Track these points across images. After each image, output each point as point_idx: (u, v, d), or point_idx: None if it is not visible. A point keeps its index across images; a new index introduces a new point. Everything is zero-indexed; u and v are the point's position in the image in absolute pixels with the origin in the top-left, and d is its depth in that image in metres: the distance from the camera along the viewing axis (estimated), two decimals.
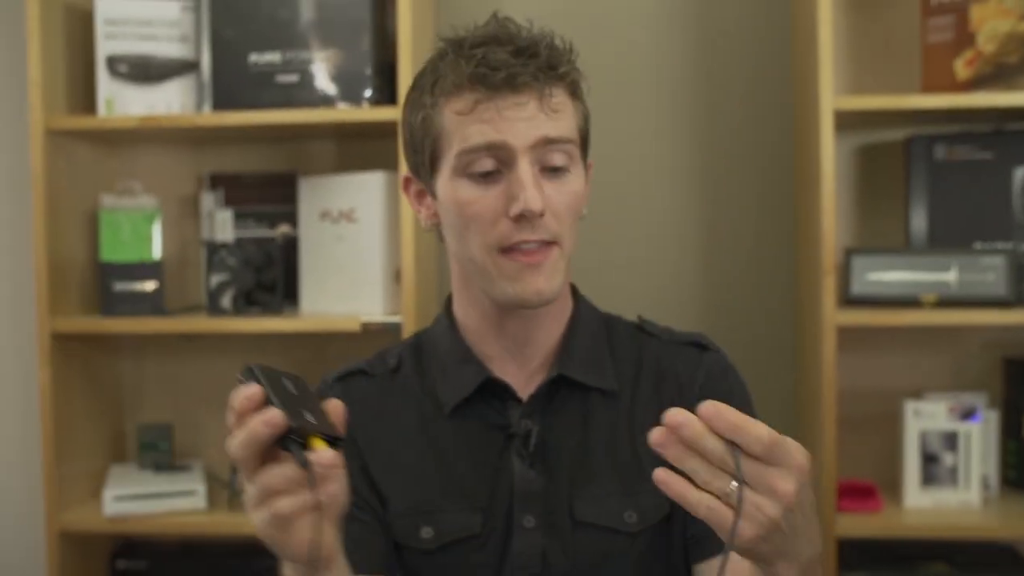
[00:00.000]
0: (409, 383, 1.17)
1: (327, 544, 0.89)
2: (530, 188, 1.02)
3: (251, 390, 0.86)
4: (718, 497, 0.79)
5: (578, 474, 1.11)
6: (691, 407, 1.06)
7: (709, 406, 0.78)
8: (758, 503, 0.78)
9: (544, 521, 1.10)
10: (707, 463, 0.79)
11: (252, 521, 0.88)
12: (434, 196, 1.11)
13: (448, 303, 1.19)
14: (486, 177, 1.05)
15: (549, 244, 1.05)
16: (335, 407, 0.91)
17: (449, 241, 1.11)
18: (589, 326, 1.18)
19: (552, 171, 1.06)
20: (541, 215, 1.03)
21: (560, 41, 1.08)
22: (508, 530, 1.10)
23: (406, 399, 1.16)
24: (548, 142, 1.04)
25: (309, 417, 0.87)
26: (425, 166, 1.10)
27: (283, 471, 0.85)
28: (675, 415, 0.78)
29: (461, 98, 1.04)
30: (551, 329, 1.14)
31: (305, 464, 0.84)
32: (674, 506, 1.07)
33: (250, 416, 0.85)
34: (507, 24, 1.07)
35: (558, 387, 1.13)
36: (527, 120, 1.03)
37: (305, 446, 0.85)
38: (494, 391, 1.12)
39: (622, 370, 1.16)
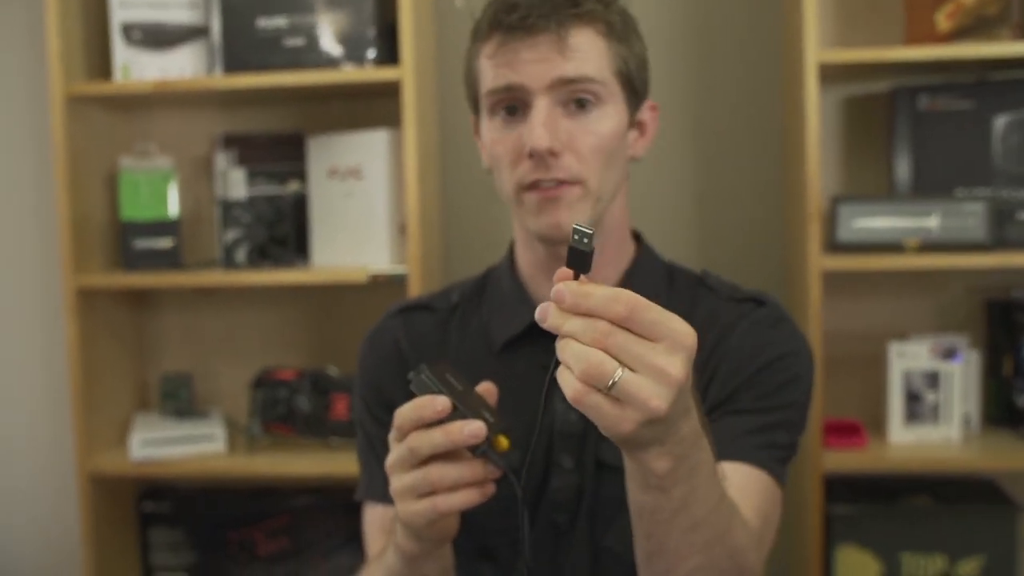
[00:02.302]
0: (467, 319, 1.20)
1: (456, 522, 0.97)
2: (536, 127, 1.04)
3: (441, 403, 0.90)
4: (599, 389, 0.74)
5: None
6: (727, 352, 1.10)
7: (559, 287, 0.75)
8: (642, 388, 0.73)
9: (579, 461, 1.12)
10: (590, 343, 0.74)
11: (403, 508, 0.92)
12: (481, 136, 1.16)
13: (511, 244, 1.22)
14: (510, 117, 1.08)
15: (568, 184, 1.06)
16: (489, 390, 0.96)
17: (495, 181, 1.14)
18: (648, 274, 1.18)
19: (578, 109, 1.07)
20: (552, 154, 1.04)
21: None
22: (547, 468, 1.12)
23: (463, 334, 1.19)
24: (565, 82, 1.05)
25: (487, 415, 0.92)
26: (474, 107, 1.16)
27: (472, 470, 0.91)
28: (557, 289, 0.75)
29: (488, 42, 1.09)
30: (605, 274, 1.14)
31: (506, 471, 0.91)
32: None
33: (443, 426, 0.89)
34: None
35: None
36: (541, 61, 1.05)
37: (492, 444, 0.91)
38: (544, 331, 1.12)
39: None
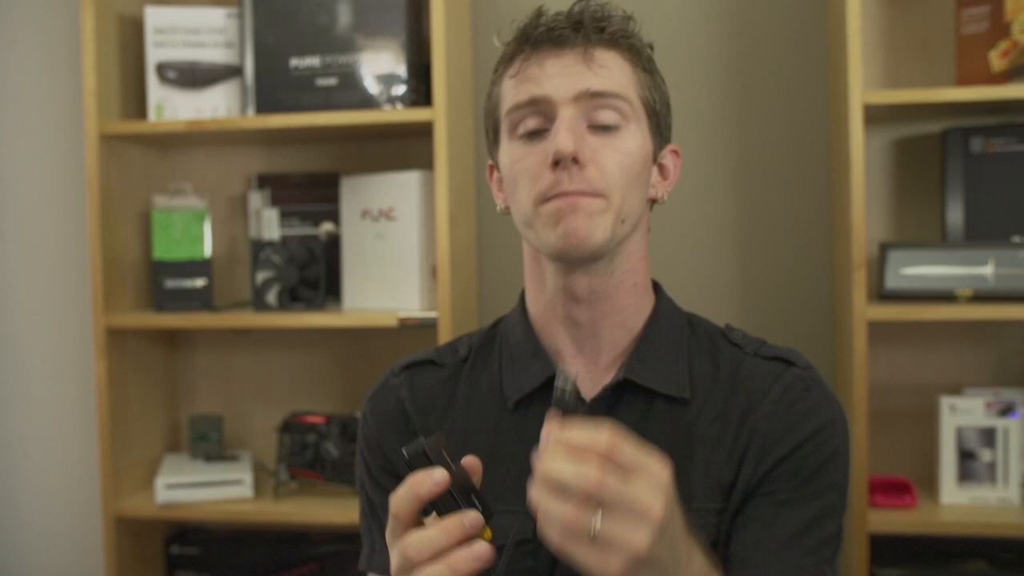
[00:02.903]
0: (477, 374, 1.14)
1: None
2: (562, 132, 1.00)
3: (439, 476, 0.86)
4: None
5: None
6: (759, 425, 1.04)
7: (543, 431, 0.76)
8: (624, 530, 0.75)
9: None
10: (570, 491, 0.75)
11: None
12: (499, 169, 1.10)
13: (523, 293, 1.15)
14: (532, 136, 1.04)
15: (590, 195, 1.00)
16: (473, 465, 0.90)
17: (512, 212, 1.08)
18: (668, 327, 1.12)
19: (602, 129, 1.03)
20: (577, 162, 1.00)
21: (622, 11, 1.07)
22: None
23: (472, 390, 1.13)
24: (592, 95, 1.02)
25: (475, 500, 0.88)
26: (493, 142, 1.11)
27: (474, 554, 0.85)
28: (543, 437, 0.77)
29: (512, 63, 1.06)
30: (622, 323, 1.09)
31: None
32: (721, 530, 1.03)
33: (441, 526, 0.85)
34: (585, 2, 1.06)
35: (623, 391, 1.07)
36: (568, 73, 1.02)
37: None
38: None
39: (696, 377, 1.09)
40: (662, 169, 1.12)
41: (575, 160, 1.00)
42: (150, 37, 2.03)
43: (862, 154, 1.76)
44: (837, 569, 1.06)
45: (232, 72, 2.03)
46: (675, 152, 1.14)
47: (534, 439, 1.02)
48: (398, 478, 1.09)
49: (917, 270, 1.86)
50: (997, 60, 1.82)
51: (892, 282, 1.87)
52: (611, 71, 1.03)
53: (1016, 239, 1.89)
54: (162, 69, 2.03)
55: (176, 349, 2.28)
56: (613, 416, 1.06)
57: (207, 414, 2.20)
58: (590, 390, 1.08)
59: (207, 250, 2.11)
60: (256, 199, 2.16)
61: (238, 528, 2.20)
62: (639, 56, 1.07)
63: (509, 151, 1.06)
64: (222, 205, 2.24)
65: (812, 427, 1.06)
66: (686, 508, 1.00)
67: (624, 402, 1.07)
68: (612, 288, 1.07)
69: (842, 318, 1.92)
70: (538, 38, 1.03)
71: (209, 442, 2.16)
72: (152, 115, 2.03)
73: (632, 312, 1.10)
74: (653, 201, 1.11)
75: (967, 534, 1.87)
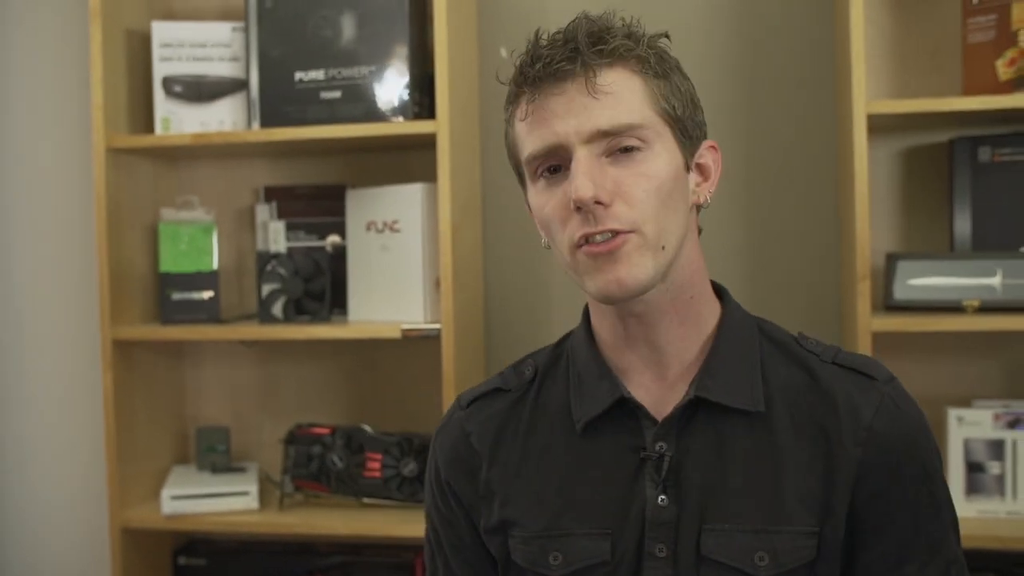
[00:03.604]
0: (546, 395, 1.12)
1: None
2: (578, 177, 0.96)
3: None
4: None
5: (711, 504, 1.02)
6: (852, 449, 1.01)
7: None
8: None
9: (673, 551, 1.02)
10: None
11: None
12: (531, 211, 1.08)
13: (586, 311, 1.13)
14: (553, 176, 1.01)
15: (622, 233, 0.97)
16: None
17: (555, 255, 1.06)
18: (738, 336, 1.08)
19: (624, 152, 0.99)
20: (600, 203, 0.97)
21: (620, 20, 1.03)
22: (639, 558, 1.03)
23: (540, 413, 1.11)
24: (604, 135, 0.98)
25: None
26: (520, 182, 1.09)
27: None
28: None
29: (519, 104, 1.03)
30: (686, 336, 1.06)
31: None
32: (822, 553, 1.01)
33: None
34: (581, 19, 1.02)
35: (696, 408, 1.04)
36: (574, 110, 0.98)
37: None
38: (629, 409, 1.06)
39: (772, 388, 1.05)
40: (702, 170, 1.08)
41: (598, 202, 0.97)
42: (157, 52, 2.04)
43: (866, 164, 1.75)
44: None
45: (238, 86, 2.05)
46: (713, 148, 1.09)
47: (607, 461, 1.06)
48: (466, 514, 1.13)
49: (925, 281, 1.85)
50: (1004, 69, 1.81)
51: (900, 293, 1.85)
52: (619, 96, 0.99)
53: None
54: (168, 83, 2.04)
55: (183, 361, 2.29)
56: (690, 434, 1.04)
57: (214, 426, 2.21)
58: (661, 409, 1.05)
59: (214, 262, 2.12)
60: (263, 212, 2.18)
61: (244, 539, 2.20)
62: (648, 65, 1.01)
63: (535, 195, 1.04)
64: (230, 218, 2.25)
65: (909, 450, 1.03)
66: (780, 531, 1.00)
67: (697, 420, 1.05)
68: (668, 304, 1.04)
69: (848, 329, 1.90)
70: (537, 76, 0.99)
71: (216, 453, 2.17)
72: (159, 129, 2.04)
73: (695, 324, 1.07)
74: (698, 206, 1.07)
75: (975, 547, 1.85)
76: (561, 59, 0.98)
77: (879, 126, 1.89)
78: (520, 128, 1.03)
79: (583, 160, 0.97)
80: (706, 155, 1.07)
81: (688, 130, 1.04)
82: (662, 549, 1.03)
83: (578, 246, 0.99)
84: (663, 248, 0.99)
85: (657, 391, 1.06)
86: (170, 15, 2.22)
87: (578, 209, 0.97)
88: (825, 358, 1.07)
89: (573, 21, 1.02)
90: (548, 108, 0.99)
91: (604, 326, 1.08)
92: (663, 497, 1.03)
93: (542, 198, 1.02)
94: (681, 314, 1.05)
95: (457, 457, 1.14)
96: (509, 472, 1.10)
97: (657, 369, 1.06)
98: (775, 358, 1.08)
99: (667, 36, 1.06)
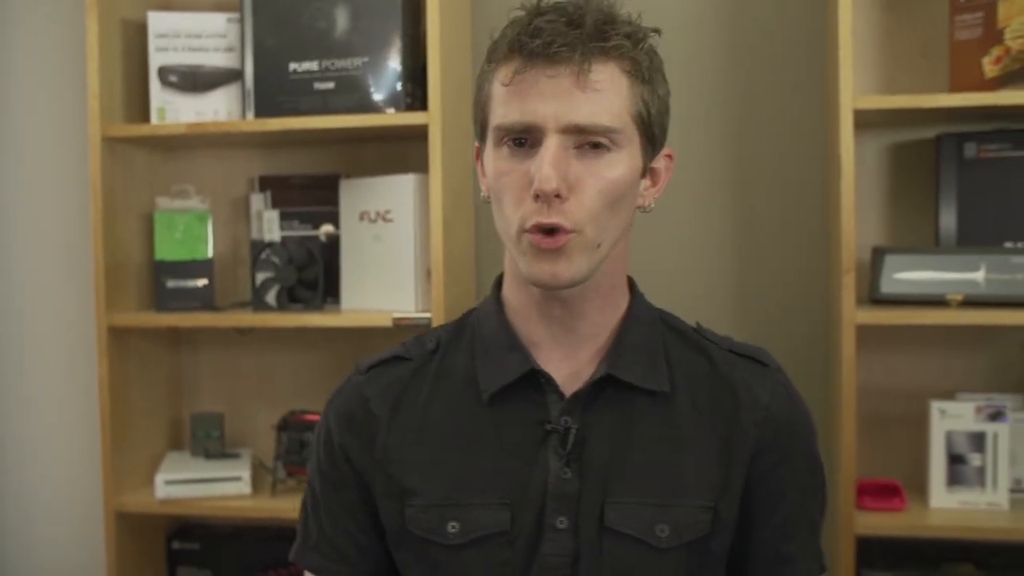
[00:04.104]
0: (447, 366, 1.13)
1: None
2: (545, 167, 0.97)
3: None
4: None
5: (614, 479, 1.06)
6: (750, 428, 1.09)
7: None
8: None
9: (575, 524, 1.06)
10: None
11: None
12: (484, 164, 1.09)
13: (498, 283, 1.15)
14: (519, 147, 1.02)
15: (566, 232, 1.00)
16: None
17: (494, 213, 1.07)
18: (644, 323, 1.12)
19: (590, 153, 1.01)
20: (557, 195, 0.98)
21: (627, 14, 1.03)
22: (539, 530, 1.06)
23: (443, 383, 1.12)
24: (579, 130, 0.99)
25: None
26: (479, 133, 1.09)
27: None
28: None
29: (505, 66, 1.02)
30: (600, 320, 1.09)
31: None
32: (716, 527, 1.07)
33: None
34: (591, 2, 1.02)
35: (604, 386, 1.08)
36: (560, 96, 0.98)
37: None
38: (536, 382, 1.08)
39: (676, 372, 1.11)
40: (654, 174, 1.11)
41: (556, 195, 0.99)
42: (152, 42, 2.06)
43: (852, 159, 1.77)
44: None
45: (233, 76, 2.07)
46: (668, 156, 1.12)
47: (511, 432, 1.07)
48: (357, 479, 1.12)
49: (910, 275, 1.87)
50: (990, 66, 1.83)
51: (886, 286, 1.88)
52: (604, 95, 1.00)
53: (1008, 245, 1.89)
54: (164, 73, 2.06)
55: (178, 348, 2.32)
56: (596, 410, 1.08)
57: (208, 412, 2.24)
58: (568, 385, 1.08)
59: (209, 251, 2.14)
60: (257, 201, 2.20)
61: (237, 524, 2.23)
62: (639, 68, 1.03)
63: (495, 159, 1.04)
64: (224, 207, 2.27)
65: (799, 433, 1.12)
66: (680, 504, 1.06)
67: (605, 397, 1.08)
68: (592, 293, 1.08)
69: (833, 322, 1.93)
70: (534, 50, 0.99)
71: (210, 439, 2.19)
72: (154, 118, 2.06)
73: (611, 310, 1.11)
74: (640, 207, 1.10)
75: (955, 538, 1.88)
76: (563, 43, 0.98)
77: (866, 122, 1.91)
78: (499, 91, 1.03)
79: (553, 149, 0.98)
80: (661, 161, 1.11)
81: (655, 136, 1.07)
82: (563, 521, 1.05)
83: (527, 230, 1.01)
84: (598, 246, 1.02)
85: (566, 368, 1.09)
86: (166, 5, 2.24)
87: (536, 197, 0.99)
88: (723, 347, 1.14)
89: (579, 5, 1.02)
90: (536, 85, 0.99)
91: (520, 299, 1.10)
92: (566, 470, 1.06)
93: (502, 165, 1.03)
94: (601, 302, 1.08)
95: (353, 421, 1.13)
96: (408, 440, 1.10)
97: (568, 349, 1.09)
98: (677, 345, 1.13)
99: (658, 32, 1.07)
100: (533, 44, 0.98)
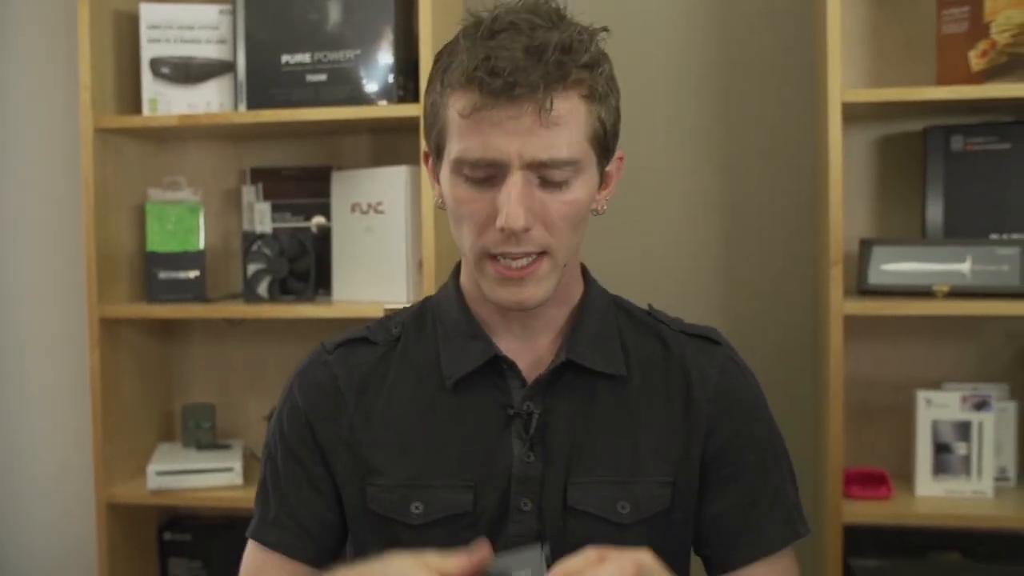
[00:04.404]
0: (410, 352, 1.14)
1: None
2: (512, 205, 0.99)
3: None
4: None
5: (576, 460, 1.10)
6: (703, 404, 1.12)
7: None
8: None
9: (539, 505, 1.09)
10: None
11: None
12: (439, 182, 1.09)
13: (456, 271, 1.17)
14: (481, 182, 1.02)
15: (538, 256, 1.03)
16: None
17: (452, 229, 1.09)
18: (599, 310, 1.15)
19: (552, 184, 1.02)
20: (526, 231, 1.01)
21: (584, 36, 1.02)
22: (504, 512, 1.09)
23: (407, 369, 1.14)
24: (542, 166, 1.00)
25: None
26: (434, 151, 1.08)
27: None
28: None
29: (463, 96, 1.00)
30: (556, 314, 1.13)
31: None
32: (676, 501, 1.11)
33: None
34: (537, 6, 1.02)
35: (563, 371, 1.11)
36: (522, 136, 0.98)
37: None
38: (499, 368, 1.11)
39: (631, 355, 1.14)
40: (606, 179, 1.12)
41: (524, 229, 1.00)
42: (144, 33, 2.07)
43: (840, 152, 1.79)
44: (806, 526, 1.17)
45: (225, 68, 2.07)
46: (620, 158, 1.13)
47: (475, 417, 1.11)
48: (321, 454, 1.13)
49: (898, 266, 1.89)
50: (976, 60, 1.85)
51: (874, 277, 1.90)
52: (565, 128, 1.00)
53: (994, 236, 1.91)
54: (156, 64, 2.07)
55: (170, 340, 2.32)
56: (556, 395, 1.11)
57: (200, 403, 2.24)
58: (532, 369, 1.12)
59: (200, 242, 2.14)
60: (249, 193, 2.20)
61: (230, 515, 2.23)
62: (596, 92, 1.02)
63: (453, 186, 1.04)
64: (217, 198, 2.28)
65: (751, 405, 1.16)
66: (639, 481, 1.09)
67: (565, 382, 1.11)
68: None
69: (821, 313, 1.94)
70: (495, 90, 0.97)
71: (201, 430, 2.20)
72: (146, 110, 2.07)
73: (566, 301, 1.14)
74: (594, 211, 1.10)
75: (941, 526, 1.91)
76: (524, 83, 0.97)
77: (855, 115, 1.93)
78: (456, 121, 1.01)
79: (519, 186, 0.99)
80: (613, 164, 1.12)
81: (610, 148, 1.08)
82: (527, 503, 1.08)
83: (491, 257, 1.03)
84: (565, 265, 1.07)
85: (526, 354, 1.12)
86: None
87: (502, 231, 1.00)
88: (674, 328, 1.18)
89: (539, 12, 1.01)
90: (497, 123, 0.99)
91: (479, 291, 1.10)
92: (530, 454, 1.09)
93: (461, 193, 1.03)
94: (558, 297, 1.11)
95: (322, 396, 1.14)
96: (374, 420, 1.12)
97: (527, 336, 1.13)
98: (631, 329, 1.17)
99: (606, 30, 1.07)
100: (494, 84, 0.97)
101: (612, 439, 1.11)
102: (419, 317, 1.18)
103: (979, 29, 1.84)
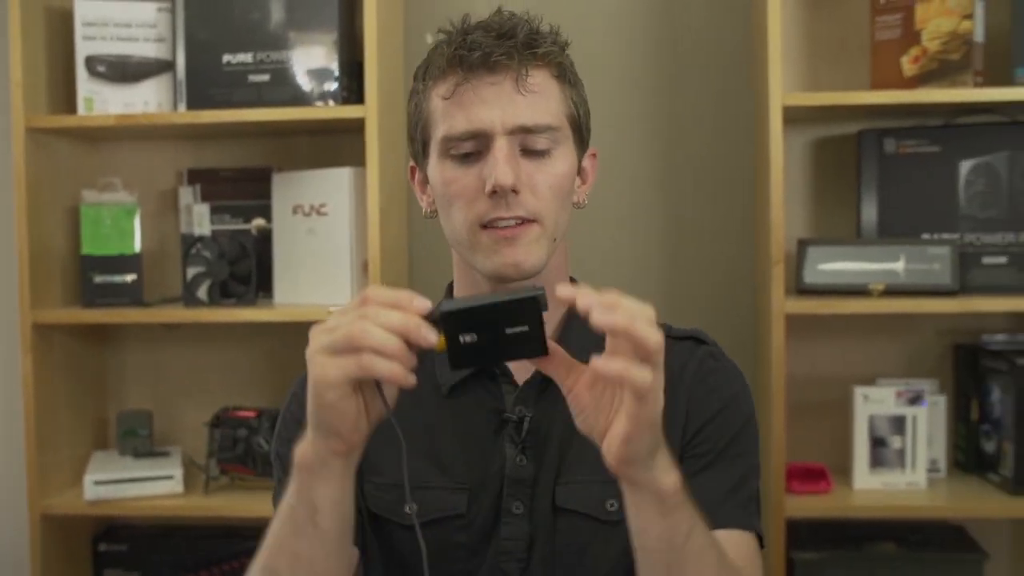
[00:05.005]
0: None
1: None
2: (501, 164, 1.04)
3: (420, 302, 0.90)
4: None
5: (565, 462, 1.12)
6: (681, 395, 1.13)
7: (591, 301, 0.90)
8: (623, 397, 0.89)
9: (530, 508, 1.11)
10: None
11: (318, 368, 0.89)
12: (428, 180, 1.13)
13: (449, 289, 1.21)
14: (467, 158, 1.07)
15: (527, 222, 1.06)
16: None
17: (443, 224, 1.13)
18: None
19: (535, 153, 1.07)
20: (514, 191, 1.05)
21: (547, 26, 1.11)
22: (496, 514, 1.11)
23: None
24: (525, 131, 1.06)
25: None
26: (419, 152, 1.13)
27: (400, 346, 0.88)
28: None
29: (444, 81, 1.07)
30: (548, 316, 1.12)
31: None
32: None
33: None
34: (501, 13, 1.10)
35: None
36: (504, 102, 1.05)
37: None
38: (492, 373, 1.14)
39: None
40: (582, 173, 1.18)
41: (512, 190, 1.05)
42: (79, 30, 2.01)
43: (781, 153, 1.83)
44: (760, 528, 1.15)
45: (163, 67, 2.03)
46: (593, 155, 1.19)
47: (469, 422, 1.14)
48: None
49: (833, 265, 1.94)
50: (908, 65, 1.91)
51: (810, 277, 1.95)
52: (542, 96, 1.07)
53: (926, 236, 1.98)
54: (92, 63, 2.02)
55: (105, 345, 2.26)
56: (547, 399, 1.12)
57: (136, 410, 2.19)
58: (522, 373, 1.14)
59: (136, 245, 2.10)
60: (186, 194, 2.16)
61: (168, 524, 2.19)
62: (565, 72, 1.11)
63: (442, 171, 1.09)
64: (152, 200, 2.23)
65: (728, 394, 1.16)
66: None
67: (554, 385, 1.09)
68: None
69: (762, 312, 1.99)
70: (474, 63, 1.05)
71: (138, 438, 2.15)
72: (81, 109, 2.02)
73: (555, 305, 1.12)
74: (576, 204, 1.16)
75: (878, 517, 1.96)
76: (501, 53, 1.04)
77: (792, 117, 1.98)
78: (439, 105, 1.08)
79: (505, 148, 1.05)
80: (588, 160, 1.18)
81: (583, 136, 1.15)
82: (519, 507, 1.10)
83: (483, 227, 1.07)
84: (554, 240, 1.10)
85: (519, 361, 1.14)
86: None
87: (492, 193, 1.05)
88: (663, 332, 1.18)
89: (504, 16, 1.09)
90: (478, 94, 1.05)
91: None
92: (522, 457, 1.11)
93: (450, 174, 1.08)
94: (549, 296, 1.12)
95: None
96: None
97: None
98: None
99: (567, 43, 1.14)
100: (472, 57, 1.05)
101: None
102: None
103: (911, 36, 1.90)
